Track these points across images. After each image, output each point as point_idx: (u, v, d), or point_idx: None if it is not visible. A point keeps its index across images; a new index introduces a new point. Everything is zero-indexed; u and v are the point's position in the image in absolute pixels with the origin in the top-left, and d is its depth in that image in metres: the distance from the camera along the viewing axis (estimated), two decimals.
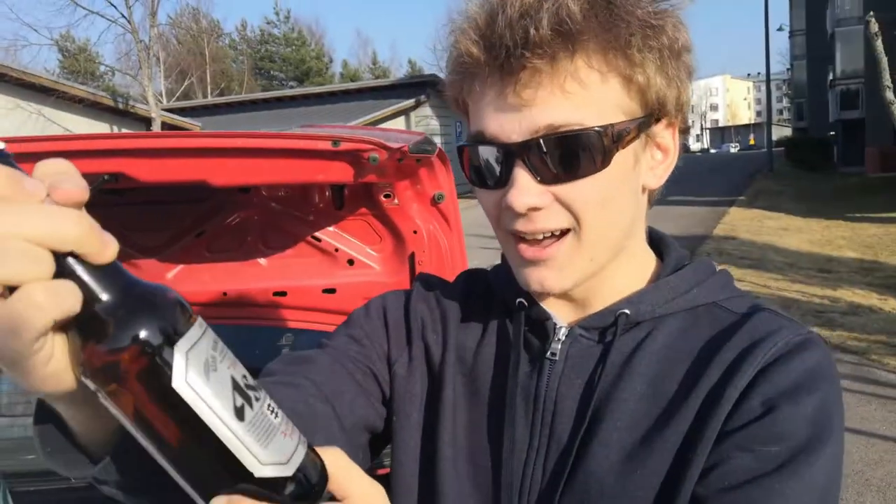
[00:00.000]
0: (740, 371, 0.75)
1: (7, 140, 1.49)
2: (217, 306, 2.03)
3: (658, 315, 0.83)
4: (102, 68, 27.39)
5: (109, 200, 1.87)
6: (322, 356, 0.90)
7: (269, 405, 0.51)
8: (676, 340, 0.82)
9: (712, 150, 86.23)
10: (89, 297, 0.45)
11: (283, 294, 2.05)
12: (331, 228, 2.04)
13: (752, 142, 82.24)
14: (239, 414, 0.48)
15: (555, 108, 0.72)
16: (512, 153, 0.75)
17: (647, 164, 0.81)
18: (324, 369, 0.88)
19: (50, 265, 0.44)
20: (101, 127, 16.36)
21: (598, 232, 0.77)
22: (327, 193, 1.99)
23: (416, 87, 26.37)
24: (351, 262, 2.07)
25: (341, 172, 1.63)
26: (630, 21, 0.72)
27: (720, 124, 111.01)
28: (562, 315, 0.86)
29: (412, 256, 2.03)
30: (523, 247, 0.79)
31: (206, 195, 1.94)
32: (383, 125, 21.96)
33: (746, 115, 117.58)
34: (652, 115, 0.77)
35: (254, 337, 2.37)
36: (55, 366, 0.46)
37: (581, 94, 0.72)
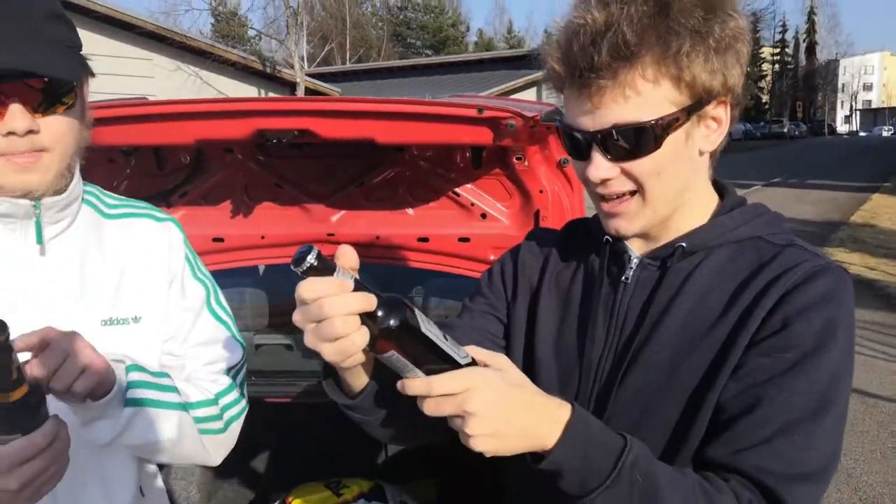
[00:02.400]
0: (768, 295, 1.03)
1: (226, 100, 2.01)
2: (370, 247, 2.41)
3: (710, 246, 1.10)
4: (251, 33, 28.83)
5: (291, 153, 2.27)
6: (461, 321, 1.29)
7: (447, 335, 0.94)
8: (723, 267, 1.09)
9: (862, 134, 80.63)
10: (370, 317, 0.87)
11: (426, 240, 2.39)
12: (468, 185, 2.37)
13: None
14: (444, 338, 0.90)
15: (617, 111, 0.99)
16: (589, 140, 1.03)
17: (702, 135, 1.05)
18: (465, 328, 1.26)
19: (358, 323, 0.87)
20: (249, 90, 17.31)
21: (656, 193, 1.05)
22: (467, 154, 2.30)
23: None
24: (484, 215, 2.39)
25: (483, 136, 1.94)
26: (681, 32, 0.97)
27: (873, 105, 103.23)
28: (636, 248, 1.16)
29: (537, 213, 2.33)
30: (603, 203, 1.10)
31: (366, 152, 2.30)
32: (515, 96, 22.10)
33: None
34: (700, 101, 1.01)
35: (399, 276, 2.74)
36: (358, 357, 0.90)
37: (636, 98, 0.98)
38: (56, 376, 1.01)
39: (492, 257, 2.38)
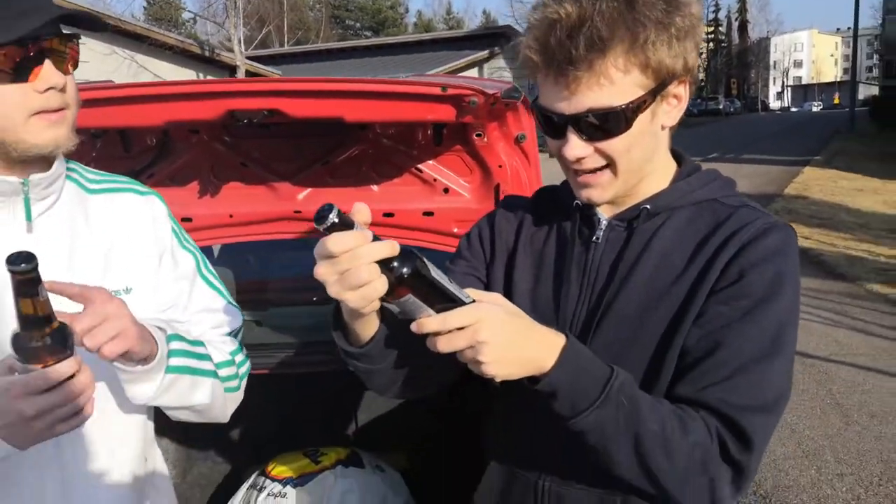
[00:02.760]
0: (725, 249, 1.16)
1: (196, 82, 2.10)
2: None
3: (671, 208, 1.23)
4: (186, 16, 28.20)
5: (257, 133, 2.32)
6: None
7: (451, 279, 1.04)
8: (683, 226, 1.22)
9: (793, 109, 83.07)
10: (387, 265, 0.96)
11: (391, 215, 2.48)
12: (430, 162, 2.45)
13: (836, 101, 78.67)
14: (450, 281, 1.01)
15: (592, 97, 1.09)
16: (566, 122, 1.14)
17: (664, 112, 1.17)
18: None
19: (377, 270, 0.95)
20: (187, 73, 17.02)
21: (626, 166, 1.17)
22: (429, 132, 2.39)
23: (491, 38, 26.38)
24: (446, 190, 2.48)
25: (446, 113, 2.03)
26: (647, 23, 1.07)
27: (804, 82, 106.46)
28: (604, 211, 1.27)
29: (497, 187, 2.43)
30: (577, 176, 1.21)
31: (331, 131, 2.36)
32: (459, 75, 22.15)
33: (832, 73, 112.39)
34: (664, 83, 1.12)
35: None
36: (375, 304, 1.00)
37: (609, 86, 1.08)
38: (90, 334, 1.07)
39: (455, 230, 2.48)
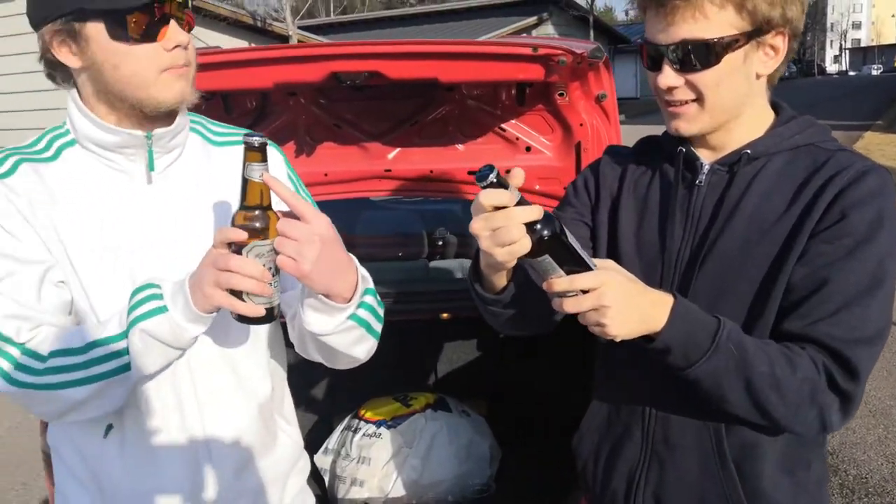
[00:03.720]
0: (826, 190, 1.22)
1: (303, 45, 2.24)
2: (424, 181, 2.61)
3: (770, 153, 1.30)
4: None
5: (349, 95, 2.45)
6: None
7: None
8: (783, 169, 1.28)
9: (851, 73, 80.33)
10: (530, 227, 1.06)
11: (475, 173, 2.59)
12: (513, 121, 2.56)
13: None
14: (581, 247, 1.11)
15: (686, 28, 1.17)
16: (662, 52, 1.22)
17: (759, 60, 1.23)
18: None
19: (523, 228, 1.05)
20: (240, 43, 17.18)
21: (713, 102, 1.23)
22: (512, 92, 2.49)
23: (538, 4, 26.04)
24: (528, 148, 2.59)
25: (535, 72, 2.12)
26: None
27: (862, 44, 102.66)
28: (705, 157, 1.33)
29: (578, 144, 2.52)
30: (668, 107, 1.29)
31: (420, 92, 2.48)
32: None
33: (894, 34, 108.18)
34: (759, 28, 1.18)
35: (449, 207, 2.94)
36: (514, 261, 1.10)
37: (704, 20, 1.16)
38: (287, 244, 1.13)
39: (537, 187, 2.59)
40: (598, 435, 1.47)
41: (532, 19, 24.97)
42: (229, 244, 1.14)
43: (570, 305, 1.10)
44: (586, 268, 1.10)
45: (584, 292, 1.09)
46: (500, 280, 1.28)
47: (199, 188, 1.37)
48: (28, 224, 1.25)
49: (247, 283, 1.12)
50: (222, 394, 1.38)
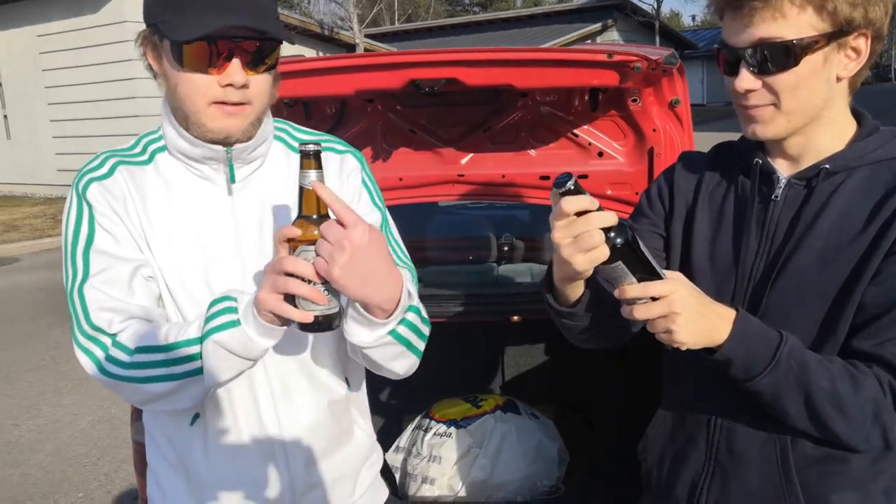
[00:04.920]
0: None
1: (383, 54, 2.22)
2: (497, 186, 2.65)
3: (850, 168, 1.25)
4: None
5: (424, 102, 2.51)
6: None
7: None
8: (862, 185, 1.24)
9: None
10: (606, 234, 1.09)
11: (547, 178, 2.62)
12: (585, 126, 2.58)
13: None
14: (651, 255, 1.13)
15: (764, 28, 1.14)
16: (739, 55, 1.19)
17: (840, 62, 1.19)
18: None
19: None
20: (308, 52, 17.55)
21: (791, 105, 1.20)
22: (585, 98, 2.51)
23: (603, 10, 25.89)
24: (600, 153, 2.61)
25: (610, 78, 2.15)
26: None
27: None
28: (783, 169, 1.30)
29: (651, 150, 2.53)
30: (744, 110, 1.26)
31: (492, 98, 2.53)
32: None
33: None
34: (841, 30, 1.14)
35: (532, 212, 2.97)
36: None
37: (782, 20, 1.14)
38: (329, 252, 1.12)
39: (609, 192, 2.60)
40: (663, 442, 1.48)
41: (596, 26, 24.82)
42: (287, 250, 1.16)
43: (640, 312, 1.12)
44: (657, 276, 1.12)
45: (654, 300, 1.11)
46: (574, 292, 1.30)
47: (279, 197, 1.41)
48: (122, 224, 1.33)
49: (295, 284, 1.12)
50: (297, 392, 1.43)
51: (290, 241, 1.15)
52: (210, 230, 1.36)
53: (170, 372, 1.24)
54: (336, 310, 1.17)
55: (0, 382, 5.42)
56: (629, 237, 1.09)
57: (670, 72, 2.27)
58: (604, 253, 1.08)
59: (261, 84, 1.30)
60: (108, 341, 1.27)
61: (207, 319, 1.23)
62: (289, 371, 1.42)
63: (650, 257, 1.12)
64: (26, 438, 4.49)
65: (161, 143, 1.40)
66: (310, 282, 1.13)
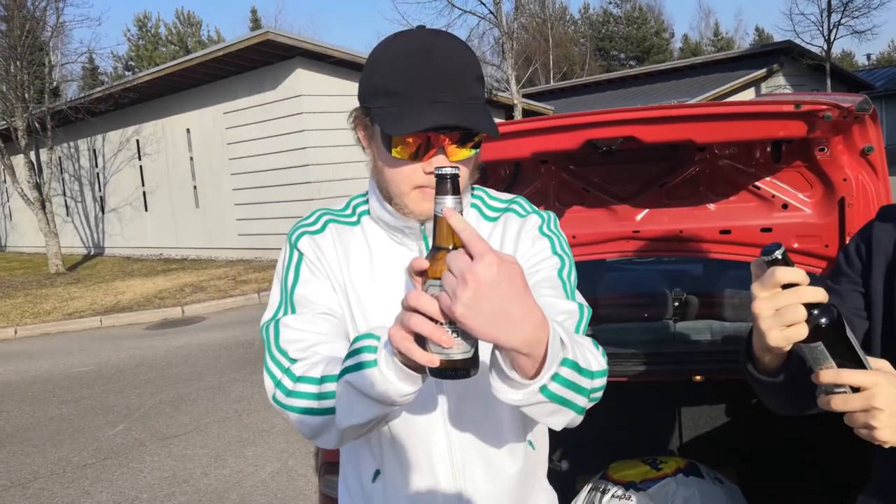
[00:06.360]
0: None
1: (559, 116, 2.15)
2: (674, 241, 2.60)
3: None
4: None
5: (597, 160, 2.53)
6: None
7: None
8: None
9: None
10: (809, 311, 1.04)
11: (728, 232, 2.55)
12: (768, 178, 2.49)
13: None
14: (857, 342, 1.08)
15: None
16: None
17: None
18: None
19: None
20: None
21: None
22: (767, 149, 2.43)
23: (766, 56, 24.92)
24: (785, 206, 2.50)
25: (797, 129, 2.07)
26: None
27: None
28: None
29: (842, 200, 2.40)
30: None
31: (668, 154, 2.51)
32: (732, 98, 21.20)
33: None
34: None
35: (705, 267, 2.89)
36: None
37: None
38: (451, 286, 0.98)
39: (795, 245, 2.49)
40: None
41: (761, 72, 23.90)
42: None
43: (837, 403, 1.06)
44: (860, 364, 1.05)
45: (855, 391, 1.04)
46: (775, 361, 1.24)
47: None
48: (326, 277, 1.42)
49: (418, 321, 0.98)
50: (482, 455, 1.40)
51: (419, 273, 1.02)
52: (404, 293, 1.41)
53: (320, 406, 1.23)
54: (469, 355, 0.99)
55: (192, 433, 5.82)
56: (834, 317, 1.03)
57: (862, 118, 2.17)
58: (802, 332, 1.03)
59: (463, 168, 1.31)
60: (286, 365, 1.30)
61: (346, 357, 1.17)
62: (474, 433, 1.40)
63: (855, 343, 1.05)
64: (214, 487, 4.78)
65: (366, 207, 1.49)
66: (435, 321, 0.97)
